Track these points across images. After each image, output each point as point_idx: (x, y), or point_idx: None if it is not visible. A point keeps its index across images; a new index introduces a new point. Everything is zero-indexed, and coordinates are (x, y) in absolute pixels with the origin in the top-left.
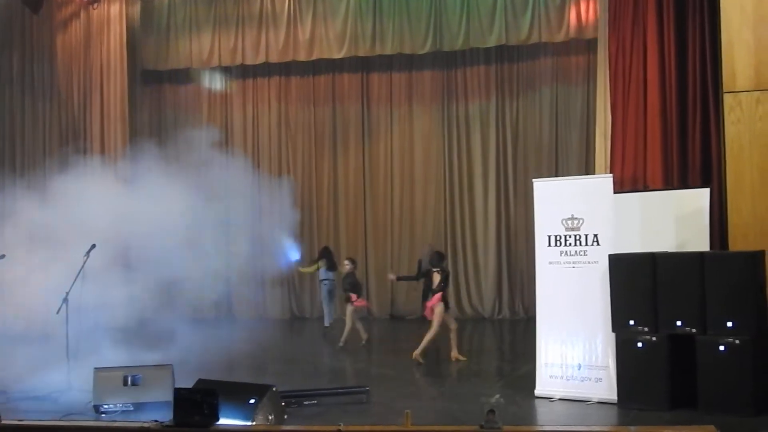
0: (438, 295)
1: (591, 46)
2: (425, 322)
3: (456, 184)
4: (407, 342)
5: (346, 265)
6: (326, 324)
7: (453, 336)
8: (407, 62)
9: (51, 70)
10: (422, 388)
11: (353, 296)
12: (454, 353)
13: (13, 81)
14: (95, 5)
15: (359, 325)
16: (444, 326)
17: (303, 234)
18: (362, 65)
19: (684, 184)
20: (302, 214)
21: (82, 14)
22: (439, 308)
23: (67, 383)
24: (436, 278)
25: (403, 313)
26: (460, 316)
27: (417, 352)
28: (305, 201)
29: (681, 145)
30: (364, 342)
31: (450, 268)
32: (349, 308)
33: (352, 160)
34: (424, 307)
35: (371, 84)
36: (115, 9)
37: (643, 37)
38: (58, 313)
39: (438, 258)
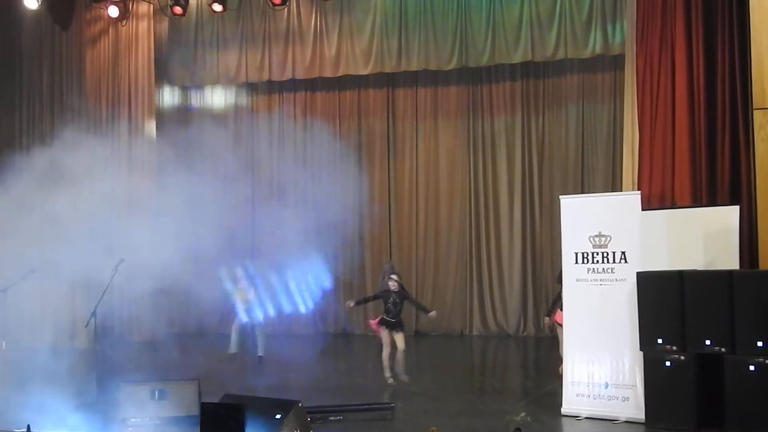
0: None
1: (618, 62)
2: (450, 338)
3: (481, 201)
4: (432, 358)
5: None
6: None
7: None
8: (433, 78)
9: (80, 85)
10: (447, 405)
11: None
12: None
13: (42, 96)
14: (124, 22)
15: None
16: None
17: (327, 249)
18: (388, 81)
19: (712, 202)
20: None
21: (111, 31)
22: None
23: (94, 397)
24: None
25: (428, 330)
26: (484, 333)
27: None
28: (330, 216)
29: (710, 162)
30: None
31: (475, 284)
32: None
33: (377, 175)
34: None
35: (396, 99)
36: (143, 26)
37: (671, 53)
38: (86, 327)
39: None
